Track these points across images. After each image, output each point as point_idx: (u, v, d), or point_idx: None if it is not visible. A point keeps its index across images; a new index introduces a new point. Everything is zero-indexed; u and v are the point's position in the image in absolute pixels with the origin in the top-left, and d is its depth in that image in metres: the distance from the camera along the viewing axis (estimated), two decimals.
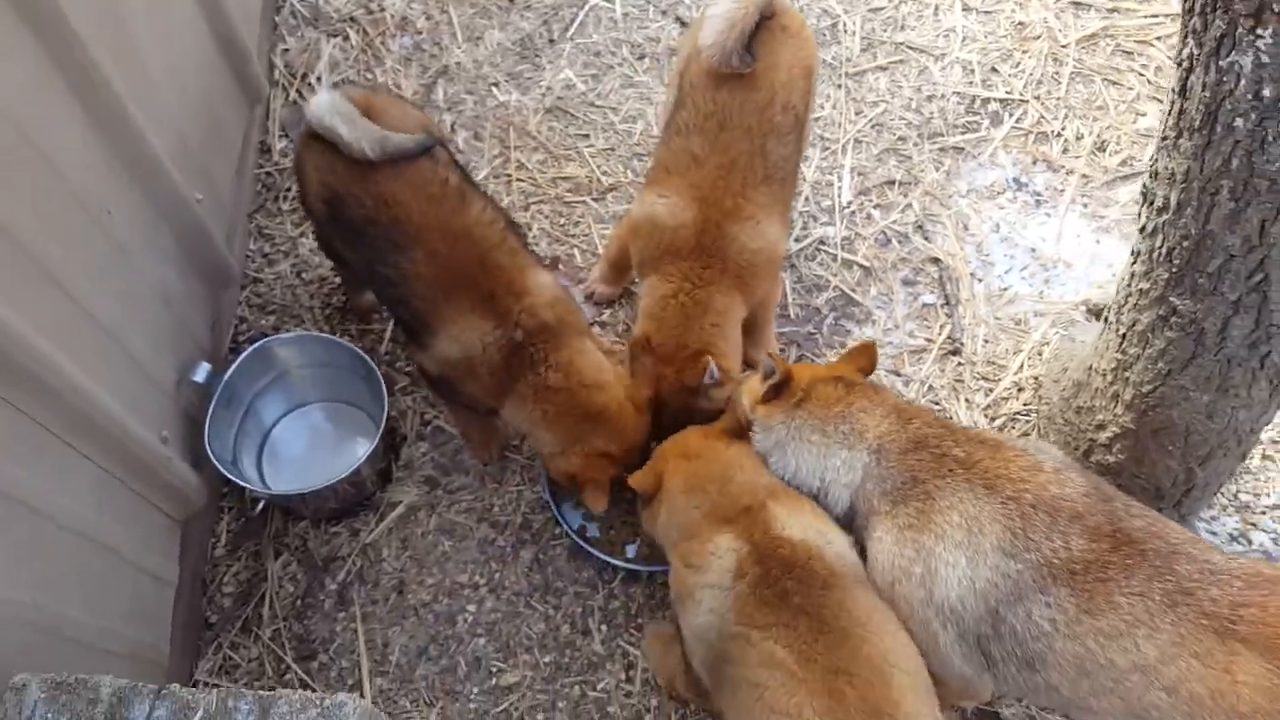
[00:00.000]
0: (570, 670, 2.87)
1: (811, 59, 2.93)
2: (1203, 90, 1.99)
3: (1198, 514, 3.09)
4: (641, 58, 3.80)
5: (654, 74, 3.75)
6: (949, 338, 3.37)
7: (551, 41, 3.82)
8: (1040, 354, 3.37)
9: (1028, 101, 3.77)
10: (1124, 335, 2.66)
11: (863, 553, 2.39)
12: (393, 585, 2.99)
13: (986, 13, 3.95)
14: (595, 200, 3.55)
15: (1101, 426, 2.89)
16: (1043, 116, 3.74)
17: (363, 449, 2.92)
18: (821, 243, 3.51)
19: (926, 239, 3.54)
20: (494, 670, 2.87)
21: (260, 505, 3.07)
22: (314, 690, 2.80)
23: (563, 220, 3.52)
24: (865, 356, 2.66)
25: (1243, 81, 1.89)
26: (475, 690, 2.85)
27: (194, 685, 2.85)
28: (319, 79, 3.71)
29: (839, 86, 3.76)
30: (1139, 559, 2.06)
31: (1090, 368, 2.91)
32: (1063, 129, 3.73)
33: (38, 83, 2.24)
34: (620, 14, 3.87)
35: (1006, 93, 3.79)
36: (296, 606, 2.97)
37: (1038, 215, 3.60)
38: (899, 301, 3.44)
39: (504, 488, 3.12)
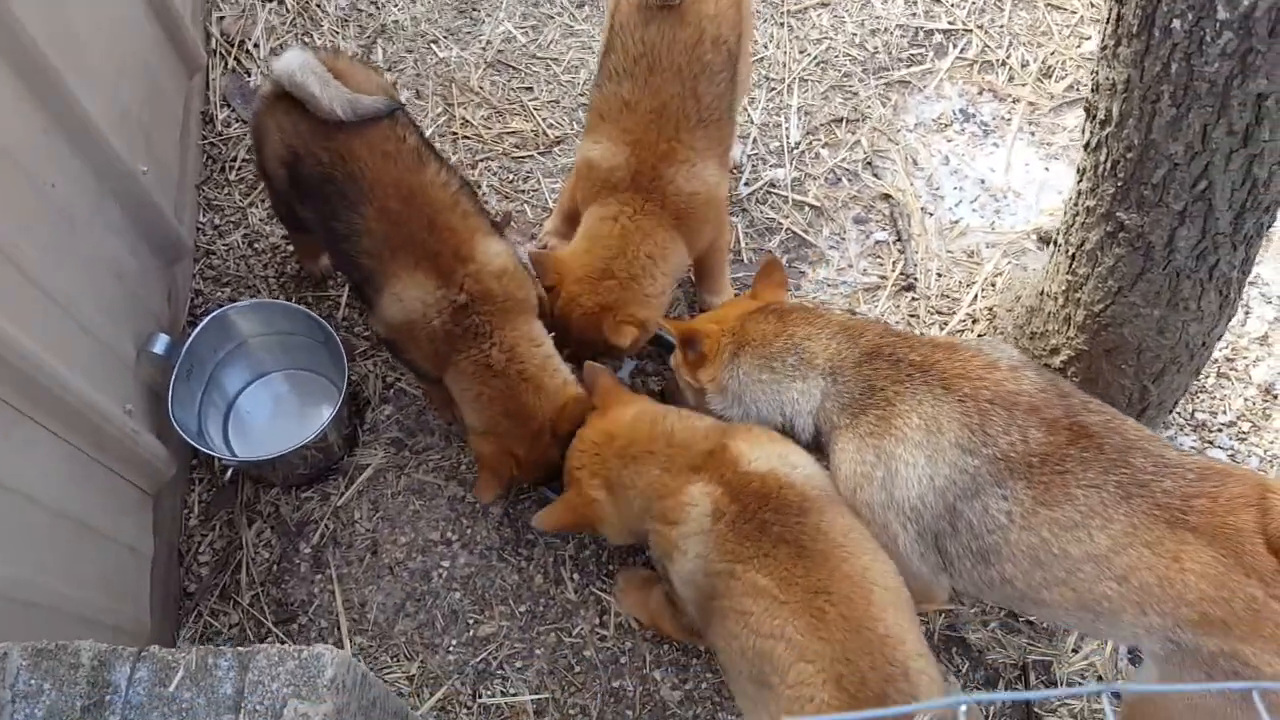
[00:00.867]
0: (545, 619, 2.90)
1: None
2: None
3: (1155, 432, 3.15)
4: (581, 5, 3.77)
5: (594, 21, 3.73)
6: (902, 273, 3.41)
7: None
8: (993, 285, 3.41)
9: (971, 31, 3.79)
10: (1073, 256, 2.69)
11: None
12: (366, 546, 3.00)
13: None
14: (543, 154, 3.54)
15: (1055, 350, 2.93)
16: (986, 45, 3.77)
17: (327, 414, 2.91)
18: (771, 185, 3.52)
19: (876, 176, 3.56)
20: (470, 622, 2.90)
21: (229, 473, 3.06)
22: None
23: (511, 176, 3.50)
24: (775, 271, 2.68)
25: None
26: (454, 642, 2.87)
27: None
28: (256, 45, 3.66)
29: (781, 25, 3.76)
30: (1095, 452, 2.10)
31: (1041, 292, 2.95)
32: (1007, 57, 3.75)
33: None
34: None
35: (949, 23, 3.80)
36: (273, 572, 2.98)
37: (986, 146, 3.63)
38: (851, 240, 3.47)
39: (469, 446, 3.13)
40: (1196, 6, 1.91)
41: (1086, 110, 2.42)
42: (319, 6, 3.74)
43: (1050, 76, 3.71)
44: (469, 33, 3.73)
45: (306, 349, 3.11)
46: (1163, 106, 2.12)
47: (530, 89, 3.64)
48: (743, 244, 3.42)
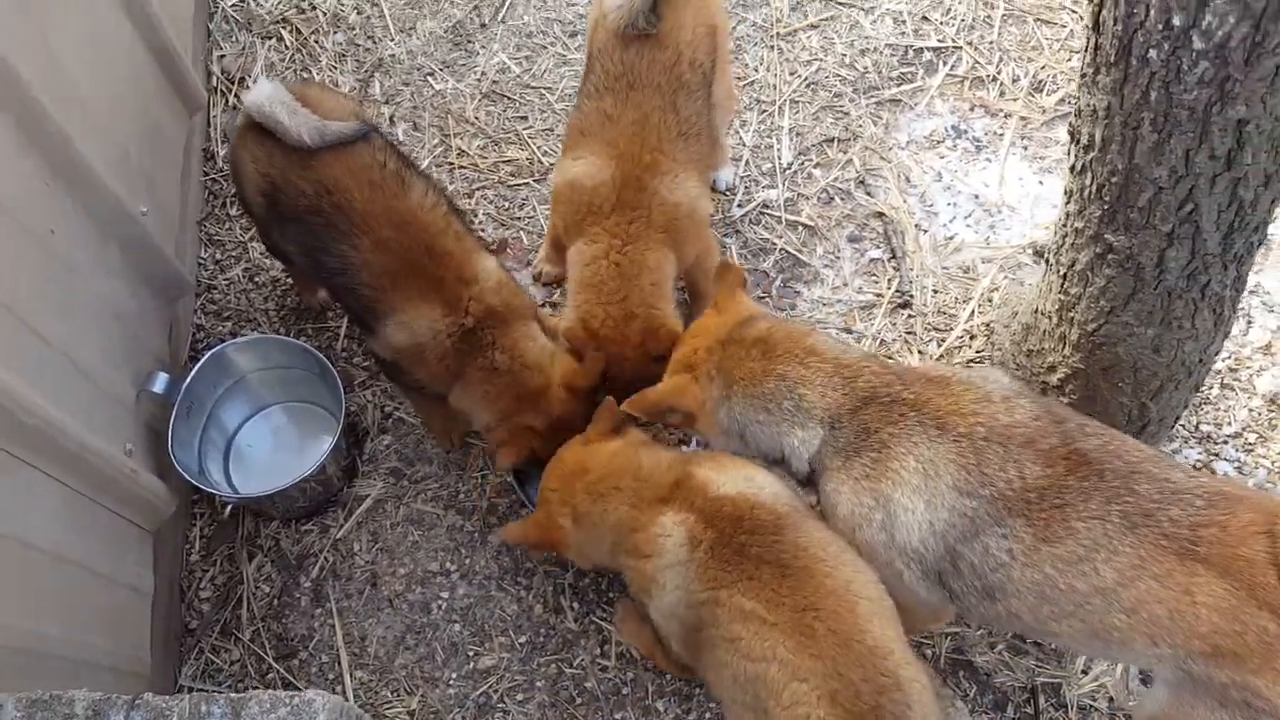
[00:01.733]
0: (546, 649, 2.91)
1: (715, 18, 2.95)
2: (1114, 24, 2.02)
3: (1158, 447, 3.13)
4: (573, 35, 3.80)
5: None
6: (898, 291, 3.41)
7: (483, 26, 3.82)
8: (990, 300, 3.41)
9: (961, 48, 3.79)
10: (1064, 275, 2.69)
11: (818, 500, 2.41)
12: (366, 578, 3.02)
13: None
14: (538, 181, 3.56)
15: (1052, 368, 2.93)
16: (977, 62, 3.77)
17: (326, 446, 2.93)
18: (765, 206, 3.53)
19: (869, 194, 3.56)
20: (471, 654, 2.91)
21: (229, 509, 3.08)
22: (297, 688, 2.84)
23: (507, 204, 3.53)
24: (728, 272, 2.66)
25: (1152, 12, 1.92)
26: (454, 675, 2.88)
27: (179, 690, 2.88)
28: (255, 82, 3.69)
29: (771, 48, 3.77)
30: (1096, 480, 2.06)
31: (1036, 310, 2.95)
32: (998, 72, 3.76)
33: None
34: None
35: (939, 40, 3.81)
36: (274, 606, 3.00)
37: (979, 161, 3.64)
38: (846, 259, 3.48)
39: (468, 474, 3.15)
40: (1172, 37, 1.91)
41: (1070, 134, 2.42)
42: (317, 43, 3.77)
43: (1041, 90, 3.71)
44: (464, 65, 3.76)
45: (304, 382, 3.13)
46: (1144, 133, 2.12)
47: (525, 118, 3.67)
48: (736, 263, 3.42)
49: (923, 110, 3.70)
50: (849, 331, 3.35)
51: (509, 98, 3.69)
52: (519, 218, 3.51)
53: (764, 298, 3.40)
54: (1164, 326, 2.55)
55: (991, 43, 3.81)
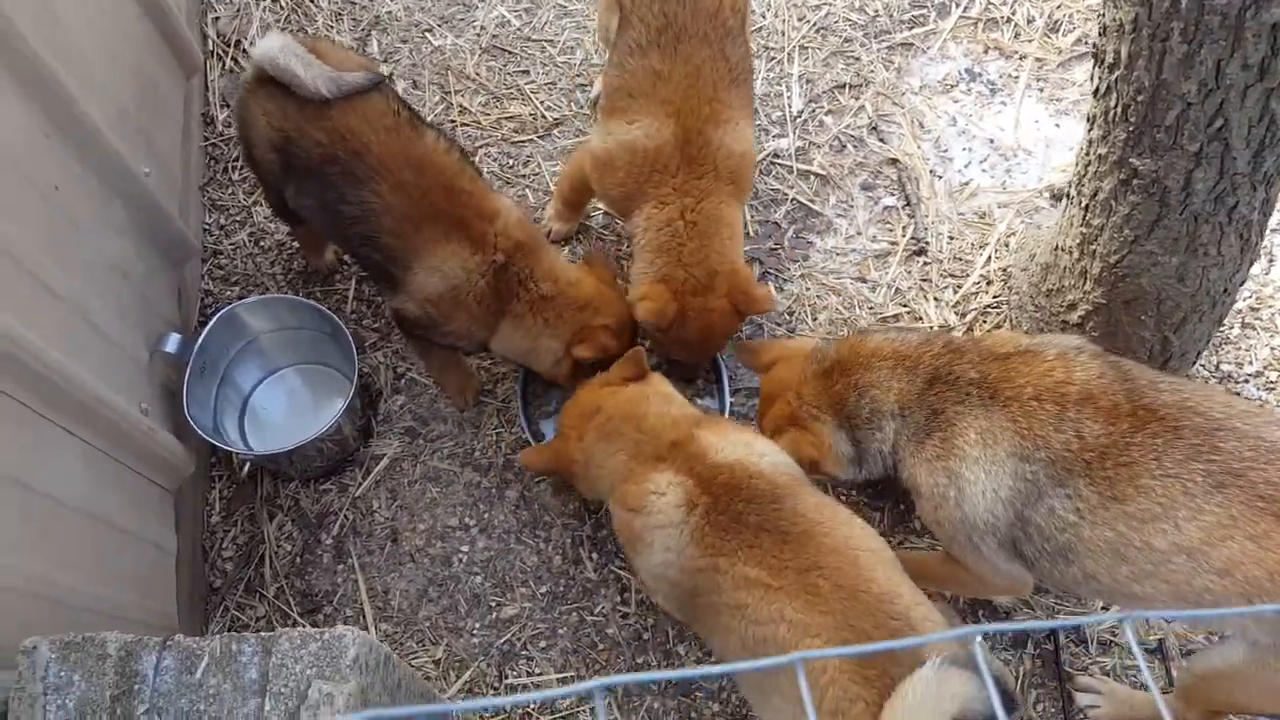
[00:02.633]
0: (566, 598, 2.89)
1: None
2: None
3: None
4: None
5: (587, 0, 3.70)
6: (913, 238, 3.37)
7: None
8: (1007, 245, 3.37)
9: None
10: (1086, 207, 2.65)
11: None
12: (386, 535, 2.99)
13: None
14: (542, 137, 3.51)
15: (1073, 306, 2.89)
16: (990, 3, 3.72)
17: (340, 406, 2.90)
18: (775, 155, 3.49)
19: (882, 140, 3.52)
20: (493, 605, 2.89)
21: (247, 468, 3.06)
22: None
23: (511, 161, 3.48)
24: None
25: None
26: (477, 625, 2.87)
27: None
28: (252, 44, 3.63)
29: None
30: (1171, 436, 1.99)
31: (1056, 248, 2.91)
32: (1012, 13, 3.71)
33: None
34: None
35: None
36: (296, 564, 2.97)
37: (994, 105, 3.59)
38: (859, 207, 3.43)
39: (483, 431, 3.12)
40: None
41: (1095, 55, 2.38)
42: (312, 1, 3.72)
43: (1057, 31, 3.66)
44: (463, 19, 3.70)
45: (316, 343, 3.10)
46: (1173, 44, 2.08)
47: (526, 72, 3.61)
48: (748, 216, 3.38)
49: (935, 54, 3.65)
50: (863, 280, 3.32)
51: (509, 52, 3.64)
52: (524, 175, 3.46)
53: (776, 249, 3.36)
54: (1189, 254, 2.52)
55: None
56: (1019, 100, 3.57)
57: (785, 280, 3.33)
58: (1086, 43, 3.61)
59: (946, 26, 3.68)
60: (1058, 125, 3.54)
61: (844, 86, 3.59)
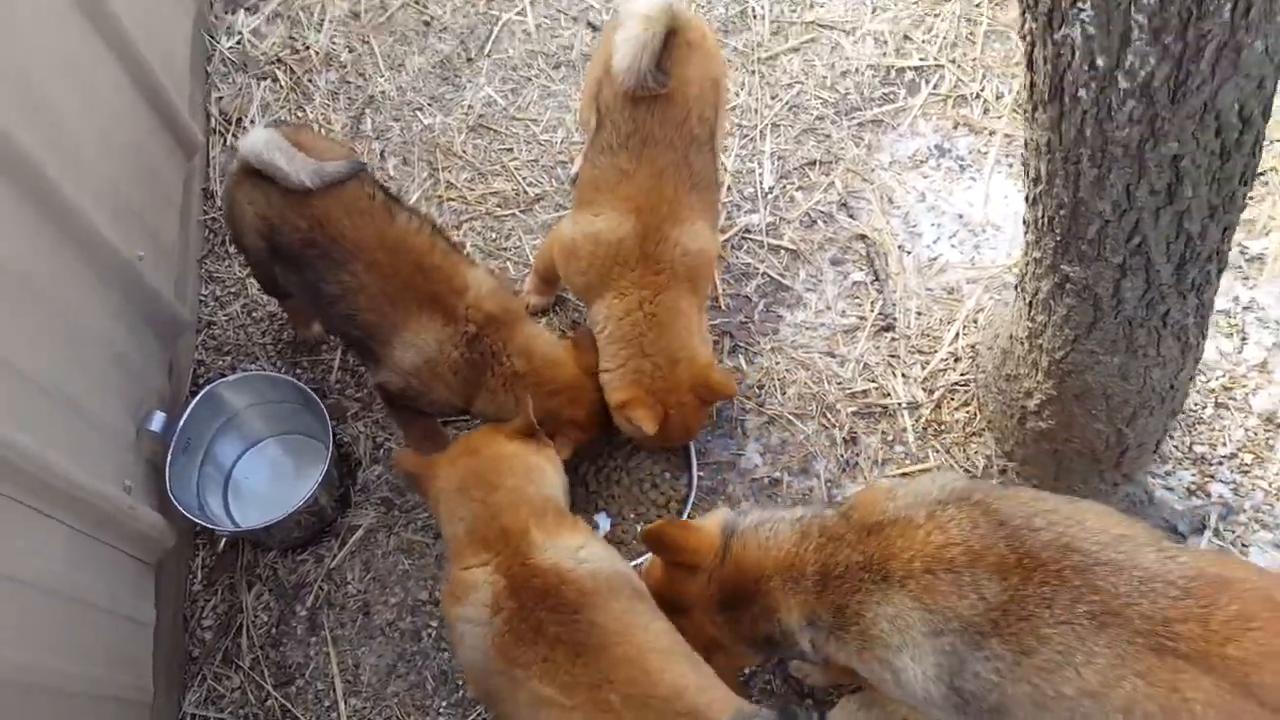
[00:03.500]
0: None
1: (719, 70, 3.01)
2: (1045, 64, 2.05)
3: (1144, 470, 3.11)
4: (557, 66, 3.87)
5: (571, 81, 3.82)
6: (881, 313, 3.44)
7: (469, 60, 3.90)
8: (975, 321, 3.42)
9: (943, 66, 3.81)
10: (1030, 303, 2.71)
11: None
12: (359, 607, 3.11)
13: None
14: (523, 212, 3.63)
15: (1029, 394, 2.93)
16: (960, 79, 3.79)
17: (315, 479, 3.03)
18: (747, 231, 3.58)
19: (852, 216, 3.60)
20: (460, 683, 2.98)
21: (224, 542, 3.19)
22: (296, 717, 2.96)
23: (494, 235, 3.61)
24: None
25: (1077, 53, 1.94)
26: (443, 704, 2.97)
27: (181, 718, 3.01)
28: (252, 121, 3.81)
29: (752, 73, 3.81)
30: (1056, 582, 2.00)
31: (1011, 335, 2.97)
32: (982, 89, 3.77)
33: None
34: (533, 26, 3.94)
35: (921, 60, 3.83)
36: (272, 634, 3.10)
37: (963, 180, 3.65)
38: (828, 282, 3.51)
39: None
40: (1099, 76, 1.93)
41: (1024, 166, 2.45)
42: (310, 81, 3.88)
43: None
44: (451, 99, 3.84)
45: (294, 415, 3.25)
46: (1084, 168, 2.14)
47: (510, 149, 3.74)
48: (719, 290, 3.47)
49: (905, 130, 3.73)
50: (831, 355, 3.39)
51: (495, 130, 3.77)
52: (505, 248, 3.58)
53: (746, 322, 3.45)
54: (1129, 354, 2.56)
55: (974, 60, 3.82)
56: (988, 176, 3.64)
57: (755, 354, 3.42)
58: None
59: (916, 103, 3.75)
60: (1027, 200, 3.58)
61: (815, 163, 3.68)
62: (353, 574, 3.15)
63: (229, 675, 3.06)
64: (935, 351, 3.39)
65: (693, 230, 2.90)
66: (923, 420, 3.28)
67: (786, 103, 3.77)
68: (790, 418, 3.31)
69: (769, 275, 3.51)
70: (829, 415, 3.30)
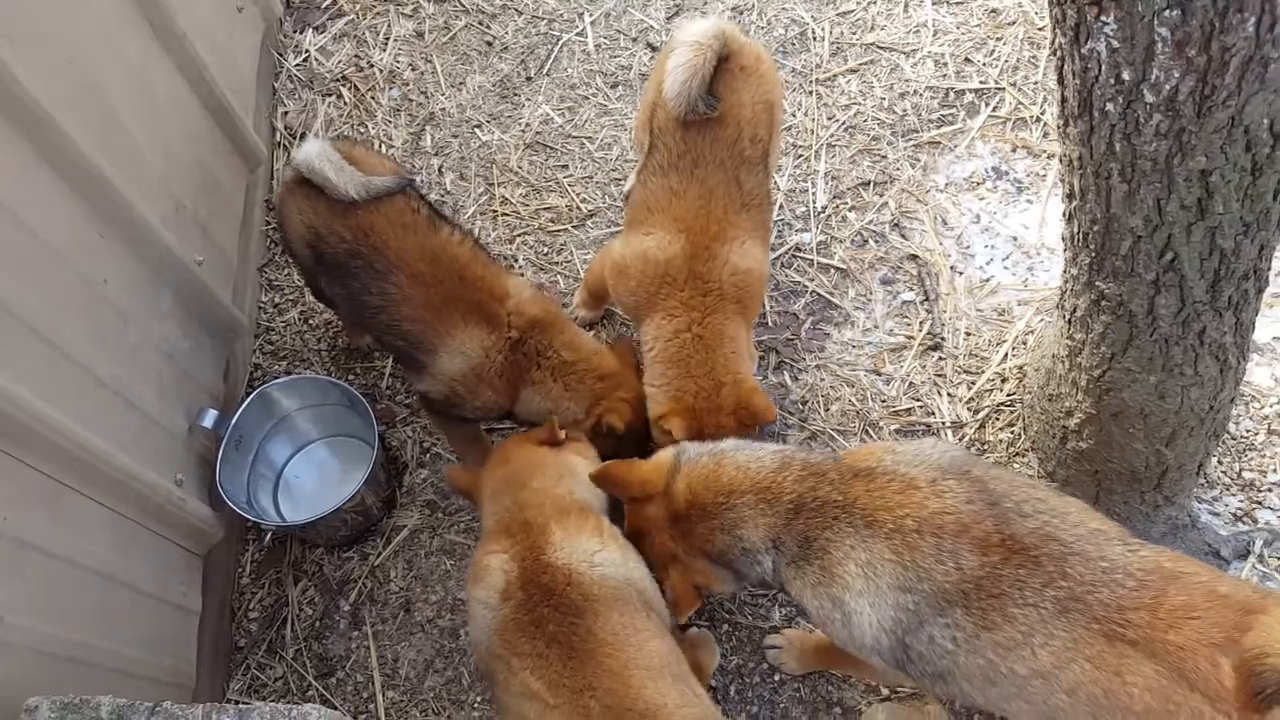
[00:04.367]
0: None
1: (772, 93, 3.02)
2: (1073, 78, 2.05)
3: (1187, 494, 3.02)
4: (614, 86, 3.95)
5: (627, 100, 3.89)
6: (929, 333, 3.42)
7: (529, 79, 4.00)
8: (1024, 343, 3.39)
9: (1004, 89, 3.79)
10: (1069, 320, 2.69)
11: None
12: (400, 604, 3.19)
13: (958, 3, 3.97)
14: (576, 228, 3.71)
15: (1070, 413, 2.90)
16: (1020, 103, 3.76)
17: (360, 478, 3.12)
18: (797, 249, 3.59)
19: (904, 236, 3.59)
20: None
21: (269, 536, 3.31)
22: (334, 707, 3.04)
23: (546, 249, 3.68)
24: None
25: (1103, 67, 1.94)
26: (479, 699, 3.03)
27: (225, 703, 3.10)
28: (316, 136, 3.95)
29: (810, 93, 3.84)
30: (1032, 567, 2.07)
31: (1053, 355, 2.94)
32: (1042, 113, 3.74)
33: (21, 169, 2.49)
34: (593, 46, 4.02)
35: (981, 82, 3.81)
36: (315, 628, 3.19)
37: (1019, 203, 3.62)
38: (878, 301, 3.50)
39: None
40: (1125, 91, 1.92)
41: (1062, 181, 2.43)
42: (373, 98, 4.02)
43: None
44: (510, 116, 3.94)
45: (342, 417, 3.35)
46: (1115, 183, 2.13)
47: (565, 166, 3.82)
48: (767, 307, 3.49)
49: (963, 152, 3.71)
50: (877, 373, 3.38)
51: (551, 147, 3.86)
52: (557, 262, 3.66)
53: (793, 339, 3.46)
54: (1165, 373, 2.51)
55: (1035, 83, 3.79)
56: (1045, 199, 3.60)
57: (800, 370, 3.42)
58: None
59: (975, 125, 3.73)
60: None
61: (869, 183, 3.68)
62: (396, 572, 3.23)
63: (272, 665, 3.16)
64: (982, 372, 3.36)
65: (742, 249, 2.92)
66: (966, 439, 3.24)
67: (843, 123, 3.79)
68: (833, 433, 3.31)
69: (818, 293, 3.52)
70: (871, 432, 3.29)
